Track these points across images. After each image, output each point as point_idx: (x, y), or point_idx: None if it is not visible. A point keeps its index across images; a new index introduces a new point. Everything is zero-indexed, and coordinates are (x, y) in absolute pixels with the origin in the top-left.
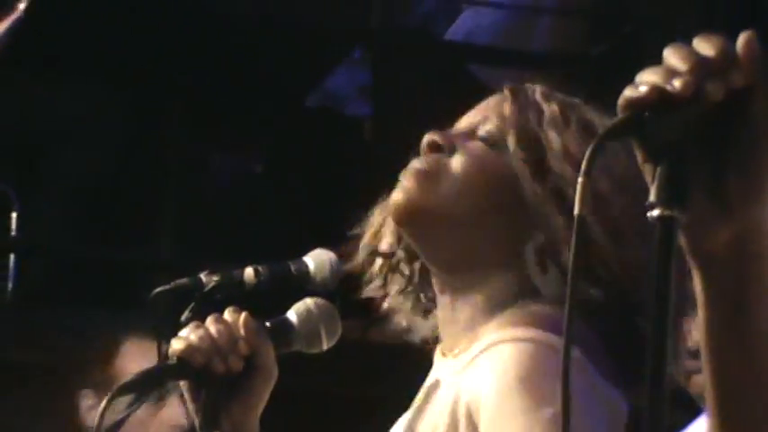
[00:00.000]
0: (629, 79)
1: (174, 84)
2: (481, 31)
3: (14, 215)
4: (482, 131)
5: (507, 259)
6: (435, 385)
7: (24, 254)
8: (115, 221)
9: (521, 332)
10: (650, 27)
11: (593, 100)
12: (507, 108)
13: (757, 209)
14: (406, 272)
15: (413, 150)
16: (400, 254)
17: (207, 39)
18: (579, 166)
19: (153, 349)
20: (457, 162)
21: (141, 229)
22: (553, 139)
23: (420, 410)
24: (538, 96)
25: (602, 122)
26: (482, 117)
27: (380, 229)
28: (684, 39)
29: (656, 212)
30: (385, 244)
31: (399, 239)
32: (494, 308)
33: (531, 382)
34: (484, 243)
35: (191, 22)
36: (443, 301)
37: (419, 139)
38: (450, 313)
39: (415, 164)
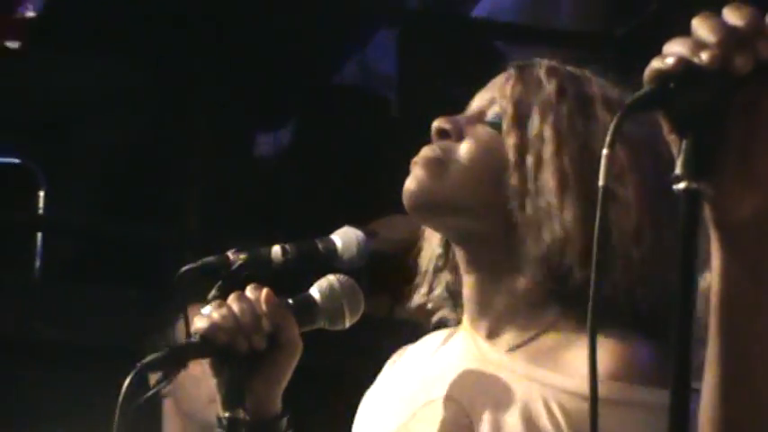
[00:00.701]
0: (655, 56)
1: (202, 61)
2: (505, 10)
3: (41, 193)
4: (489, 114)
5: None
6: (487, 373)
7: (51, 232)
8: (142, 199)
9: (623, 392)
10: (675, 5)
11: (619, 78)
12: (509, 88)
13: None
14: (447, 274)
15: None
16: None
17: (236, 15)
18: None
19: None
20: (464, 148)
21: (169, 207)
22: (536, 121)
23: (471, 394)
24: (542, 73)
25: (608, 95)
26: (490, 99)
27: (426, 241)
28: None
29: (681, 185)
30: (432, 259)
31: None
32: (532, 304)
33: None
34: (496, 227)
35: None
36: (469, 281)
37: (444, 116)
38: (476, 294)
39: (424, 152)
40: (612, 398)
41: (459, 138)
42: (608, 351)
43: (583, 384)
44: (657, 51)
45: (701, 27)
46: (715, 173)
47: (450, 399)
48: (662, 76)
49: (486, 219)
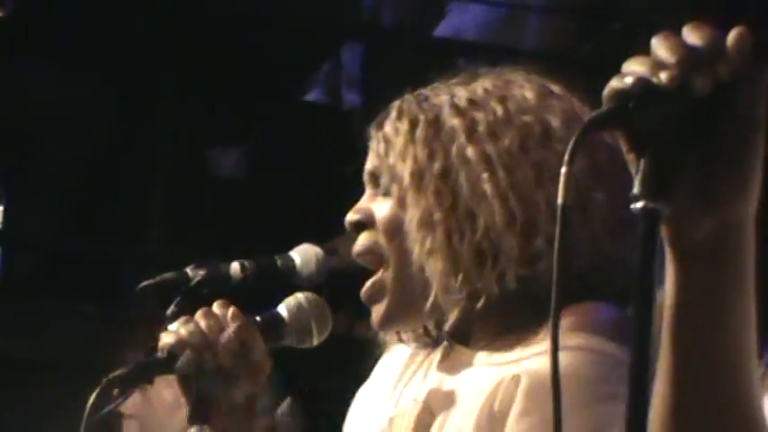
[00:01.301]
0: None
1: (163, 77)
2: (470, 28)
3: (1, 208)
4: (381, 185)
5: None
6: (455, 376)
7: (11, 247)
8: (103, 214)
9: (576, 340)
10: (639, 25)
11: (583, 97)
12: (380, 152)
13: (740, 202)
14: None
15: None
16: None
17: (199, 31)
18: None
19: None
20: (385, 239)
21: (129, 223)
22: (401, 177)
23: (440, 398)
24: (390, 122)
25: (455, 101)
26: (375, 166)
27: None
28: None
29: (639, 205)
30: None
31: None
32: (495, 310)
33: (594, 385)
34: (450, 275)
35: (183, 14)
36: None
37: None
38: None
39: (367, 285)
40: (571, 344)
41: (372, 225)
42: (570, 310)
43: (528, 349)
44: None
45: (661, 47)
46: (673, 193)
47: (424, 404)
48: (621, 95)
49: (437, 278)
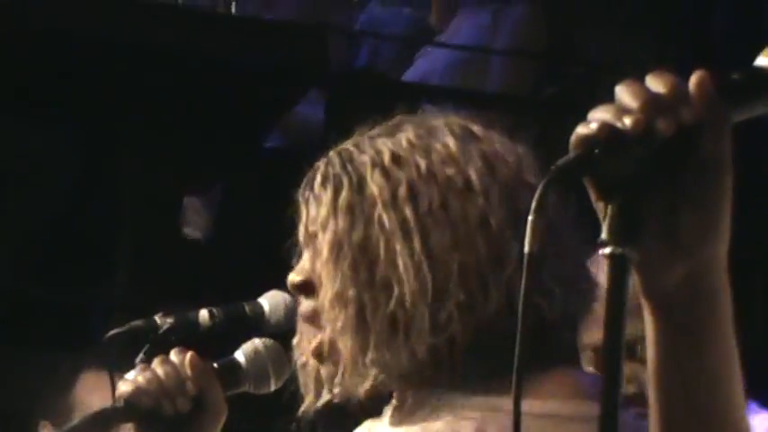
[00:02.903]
0: (582, 120)
1: (128, 124)
2: (436, 74)
3: None
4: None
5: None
6: None
7: None
8: (70, 262)
9: (571, 408)
10: (603, 68)
11: (546, 141)
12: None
13: (710, 246)
14: None
15: None
16: None
17: (164, 79)
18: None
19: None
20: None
21: (96, 270)
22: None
23: None
24: (317, 186)
25: (381, 159)
26: (312, 224)
27: None
28: (638, 77)
29: (607, 250)
30: None
31: None
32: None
33: None
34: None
35: (146, 60)
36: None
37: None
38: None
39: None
40: (566, 414)
41: (315, 290)
42: (553, 381)
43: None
44: (585, 113)
45: (624, 93)
46: (640, 238)
47: None
48: (587, 141)
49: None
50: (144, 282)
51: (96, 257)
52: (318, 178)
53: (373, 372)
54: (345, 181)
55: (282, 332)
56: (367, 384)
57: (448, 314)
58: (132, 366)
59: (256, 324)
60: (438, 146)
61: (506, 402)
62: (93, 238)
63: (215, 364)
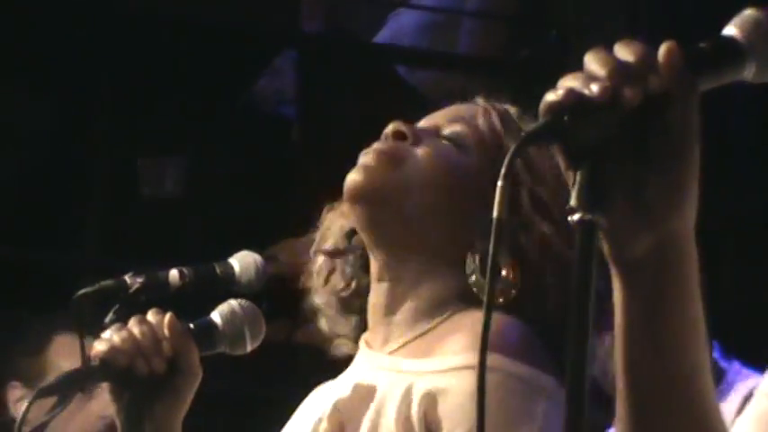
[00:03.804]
0: (553, 84)
1: (99, 85)
2: (406, 34)
3: None
4: (449, 131)
5: (454, 259)
6: (370, 381)
7: None
8: (40, 222)
9: (495, 361)
10: (574, 32)
11: (517, 104)
12: (479, 119)
13: (677, 216)
14: (347, 271)
15: (338, 151)
16: (342, 251)
17: (134, 40)
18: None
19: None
20: (423, 152)
21: (66, 231)
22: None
23: (353, 405)
24: (496, 117)
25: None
26: (448, 119)
27: (326, 231)
28: (609, 43)
29: (576, 217)
30: (330, 244)
31: (345, 239)
32: (436, 306)
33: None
34: (436, 237)
35: (116, 23)
36: (380, 289)
37: (345, 140)
38: (385, 303)
39: (378, 145)
40: (471, 364)
41: (417, 143)
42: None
43: (445, 361)
44: (557, 77)
45: (592, 62)
46: (609, 205)
47: (333, 414)
48: (555, 108)
49: (429, 223)
50: (114, 242)
51: (67, 217)
52: (497, 112)
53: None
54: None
55: (253, 292)
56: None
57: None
58: (102, 326)
59: (227, 284)
60: None
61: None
62: (64, 198)
63: (191, 325)
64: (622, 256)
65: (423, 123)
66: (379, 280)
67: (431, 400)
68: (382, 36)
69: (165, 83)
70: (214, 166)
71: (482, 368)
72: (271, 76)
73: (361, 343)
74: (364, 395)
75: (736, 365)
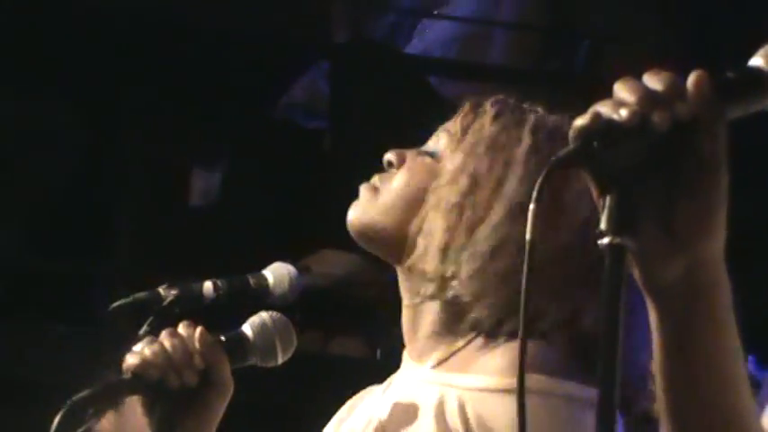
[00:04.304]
0: (585, 95)
1: (132, 95)
2: (438, 45)
3: None
4: (430, 145)
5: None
6: (411, 396)
7: None
8: (73, 234)
9: (535, 383)
10: (606, 42)
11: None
12: (455, 125)
13: (707, 240)
14: None
15: (370, 162)
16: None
17: (168, 51)
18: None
19: None
20: (398, 174)
21: (99, 242)
22: (457, 159)
23: (395, 419)
24: (486, 116)
25: (537, 144)
26: (437, 134)
27: None
28: (639, 54)
29: (605, 240)
30: None
31: None
32: (456, 316)
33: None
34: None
35: (150, 33)
36: (405, 303)
37: (377, 151)
38: (411, 317)
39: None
40: (510, 387)
41: (399, 166)
42: (512, 348)
43: (490, 380)
44: (587, 87)
45: (622, 89)
46: (638, 230)
47: (378, 428)
48: (584, 133)
49: (403, 244)
50: (149, 253)
51: (100, 229)
52: (489, 113)
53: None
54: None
55: (287, 305)
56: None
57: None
58: (136, 338)
59: (260, 296)
60: None
61: None
62: (97, 210)
63: (222, 337)
64: (653, 282)
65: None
66: (403, 294)
67: (475, 419)
68: (414, 47)
69: (198, 94)
70: (248, 176)
71: (521, 397)
72: (303, 87)
73: (405, 355)
74: (404, 408)
75: None
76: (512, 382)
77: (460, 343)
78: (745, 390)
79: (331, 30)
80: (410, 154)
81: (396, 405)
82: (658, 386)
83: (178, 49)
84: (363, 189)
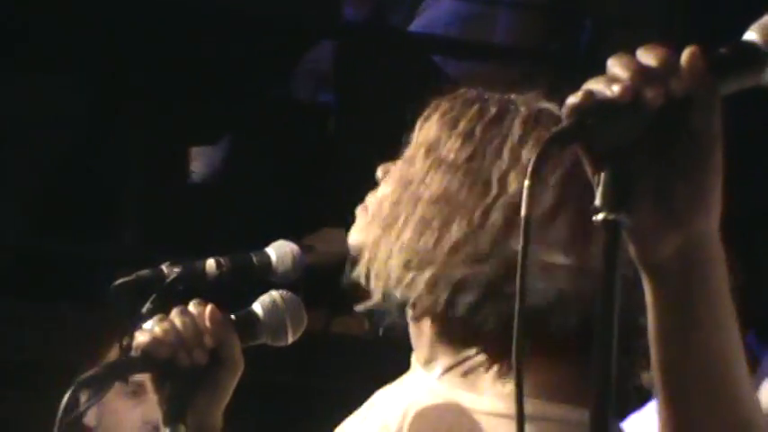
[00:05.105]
0: (587, 74)
1: (136, 75)
2: (442, 24)
3: None
4: (405, 152)
5: None
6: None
7: None
8: (77, 214)
9: (530, 407)
10: (609, 22)
11: (553, 95)
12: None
13: (702, 217)
14: None
15: (374, 141)
16: None
17: (172, 28)
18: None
19: None
20: (376, 191)
21: (104, 222)
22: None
23: None
24: (439, 111)
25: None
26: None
27: None
28: (643, 35)
29: (600, 216)
30: None
31: None
32: (450, 328)
33: None
34: None
35: (154, 10)
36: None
37: (381, 130)
38: (413, 324)
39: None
40: (527, 414)
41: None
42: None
43: (495, 403)
44: (591, 68)
45: (615, 65)
46: (633, 205)
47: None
48: (578, 110)
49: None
50: (153, 233)
51: (104, 208)
52: (441, 109)
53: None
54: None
55: (290, 282)
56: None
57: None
58: (140, 316)
59: (263, 274)
60: None
61: None
62: (101, 189)
63: (233, 316)
64: (648, 258)
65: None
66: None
67: None
68: (417, 25)
69: (205, 71)
70: (252, 154)
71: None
72: (309, 64)
73: (413, 358)
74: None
75: None
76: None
77: (464, 353)
78: (741, 364)
79: (339, 8)
80: (393, 167)
81: (406, 414)
82: (655, 368)
83: (183, 26)
84: (357, 210)
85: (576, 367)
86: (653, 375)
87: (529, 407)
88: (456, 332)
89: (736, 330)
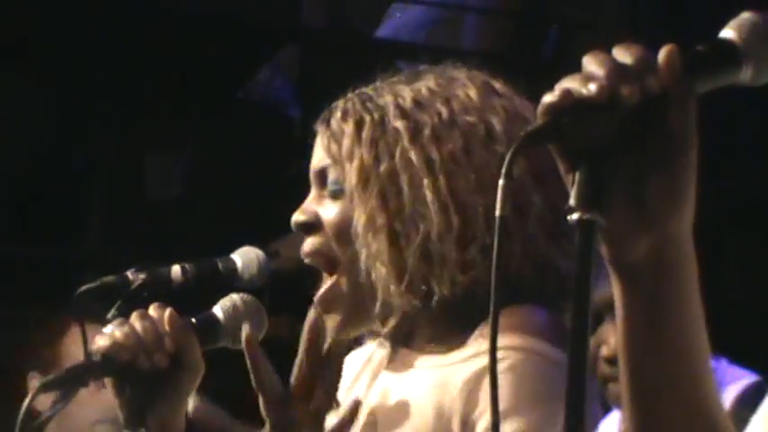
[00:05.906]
0: (554, 79)
1: (102, 81)
2: (409, 30)
3: None
4: (329, 186)
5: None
6: (402, 384)
7: None
8: (43, 219)
9: (515, 340)
10: (575, 27)
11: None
12: (330, 146)
13: (675, 217)
14: None
15: None
16: None
17: (138, 35)
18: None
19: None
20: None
21: (69, 227)
22: (350, 175)
23: (387, 412)
24: (335, 122)
25: (400, 103)
26: (322, 161)
27: None
28: (609, 38)
29: (575, 216)
30: None
31: None
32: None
33: (536, 385)
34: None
35: (118, 19)
36: None
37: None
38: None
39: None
40: (511, 344)
41: (320, 228)
42: (506, 312)
43: (478, 347)
44: (557, 72)
45: (590, 63)
46: (608, 206)
47: (370, 410)
48: (553, 109)
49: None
50: (116, 238)
51: (69, 214)
52: (338, 113)
53: (408, 301)
54: (367, 117)
55: (255, 288)
56: (398, 315)
57: (471, 257)
58: (105, 322)
59: (229, 280)
60: (460, 95)
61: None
62: (67, 195)
63: (193, 320)
64: (621, 258)
65: (313, 166)
66: None
67: (473, 383)
68: (384, 31)
69: (168, 79)
70: (216, 162)
71: (493, 355)
72: (272, 71)
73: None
74: (394, 399)
75: (723, 363)
76: (507, 339)
77: (437, 332)
78: (708, 365)
79: (302, 14)
80: (314, 202)
81: (386, 385)
82: (622, 368)
83: (146, 33)
84: (325, 303)
85: (551, 315)
86: (619, 373)
87: (516, 340)
88: (459, 313)
89: (704, 331)
